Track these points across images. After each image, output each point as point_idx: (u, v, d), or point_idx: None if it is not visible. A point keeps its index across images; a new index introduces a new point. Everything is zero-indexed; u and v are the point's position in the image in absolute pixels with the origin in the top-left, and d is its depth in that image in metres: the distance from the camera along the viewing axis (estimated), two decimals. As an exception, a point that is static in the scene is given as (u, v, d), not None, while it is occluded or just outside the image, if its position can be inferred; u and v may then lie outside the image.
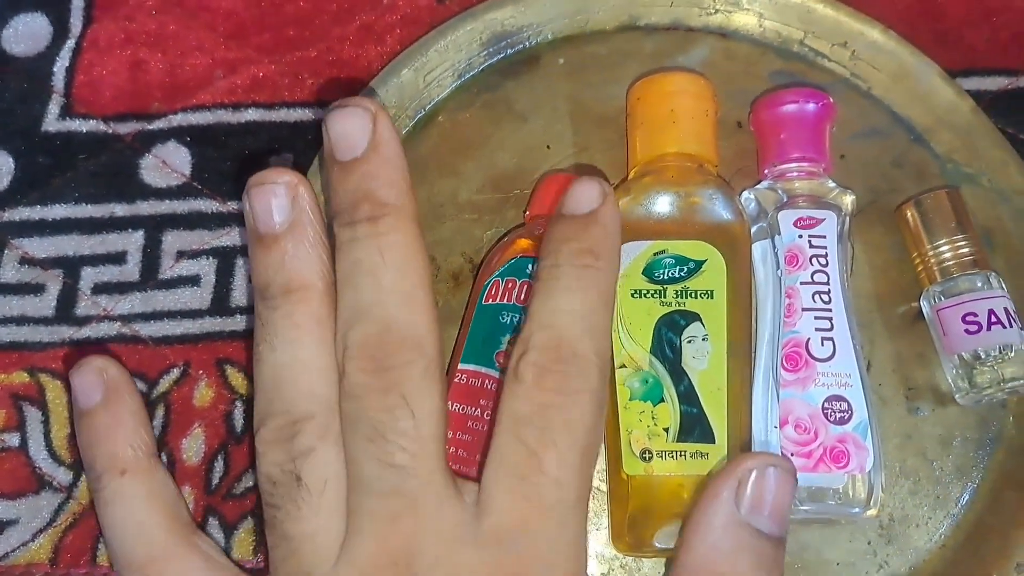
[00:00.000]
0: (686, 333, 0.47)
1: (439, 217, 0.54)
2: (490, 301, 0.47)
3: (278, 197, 0.39)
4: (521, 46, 0.58)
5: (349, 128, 0.39)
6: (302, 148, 0.56)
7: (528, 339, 0.38)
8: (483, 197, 0.54)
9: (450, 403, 0.46)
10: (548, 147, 0.55)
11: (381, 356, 0.37)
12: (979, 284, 0.48)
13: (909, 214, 0.51)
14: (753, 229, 0.51)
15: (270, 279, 0.39)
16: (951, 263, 0.49)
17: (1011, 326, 0.47)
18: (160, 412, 0.52)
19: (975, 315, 0.47)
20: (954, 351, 0.48)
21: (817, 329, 0.47)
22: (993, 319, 0.47)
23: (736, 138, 0.55)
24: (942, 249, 0.50)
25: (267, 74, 0.59)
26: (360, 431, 0.37)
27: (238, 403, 0.52)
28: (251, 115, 0.58)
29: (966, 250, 0.49)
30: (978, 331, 0.47)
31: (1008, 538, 0.48)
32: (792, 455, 0.46)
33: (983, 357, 0.47)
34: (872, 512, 0.46)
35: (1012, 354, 0.47)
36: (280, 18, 0.60)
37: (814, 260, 0.48)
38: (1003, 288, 0.48)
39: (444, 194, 0.55)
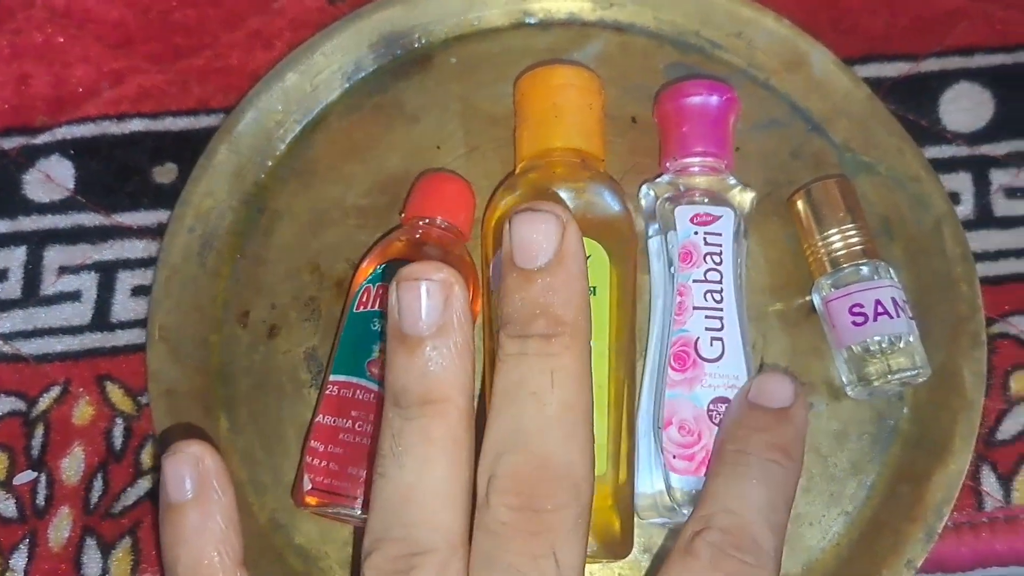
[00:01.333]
0: (567, 334, 0.45)
1: (324, 223, 0.53)
2: (361, 308, 0.46)
3: (431, 297, 0.34)
4: (412, 47, 0.57)
5: (536, 235, 0.34)
6: (187, 157, 0.55)
7: (709, 518, 0.37)
8: (370, 201, 0.53)
9: (321, 416, 0.45)
10: (438, 148, 0.54)
11: (533, 494, 0.33)
12: (867, 274, 0.47)
13: (799, 204, 0.50)
14: (649, 224, 0.49)
15: (408, 385, 0.34)
16: (840, 253, 0.48)
17: (899, 316, 0.46)
18: (40, 431, 0.51)
19: (861, 306, 0.46)
20: (843, 344, 0.46)
21: (707, 328, 0.46)
22: (880, 309, 0.46)
23: (631, 133, 0.54)
24: (832, 239, 0.48)
25: (154, 83, 0.57)
26: (494, 572, 0.33)
27: (118, 420, 0.51)
28: (136, 125, 0.57)
29: (855, 239, 0.48)
30: (864, 323, 0.46)
31: (900, 534, 0.47)
32: (674, 458, 0.44)
33: (872, 349, 0.46)
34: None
35: (901, 345, 0.46)
36: (168, 26, 0.59)
37: (708, 258, 0.47)
38: (892, 277, 0.47)
39: (330, 199, 0.53)
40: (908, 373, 0.46)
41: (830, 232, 0.48)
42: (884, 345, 0.46)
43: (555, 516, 0.33)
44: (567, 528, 0.33)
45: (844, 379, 0.48)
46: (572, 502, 0.33)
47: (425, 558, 0.33)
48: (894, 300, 0.46)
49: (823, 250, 0.48)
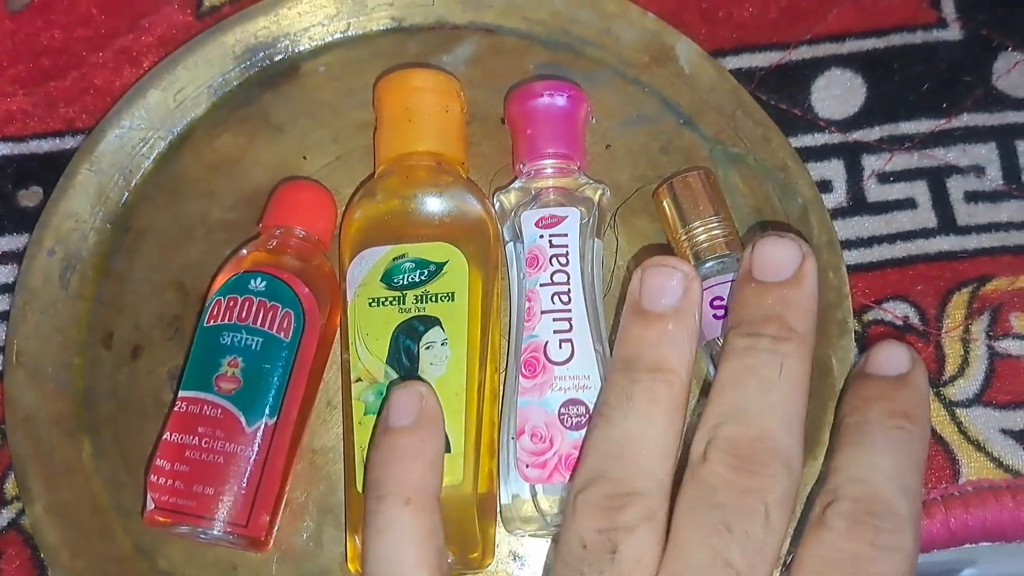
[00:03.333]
0: (425, 339, 0.45)
1: (188, 240, 0.52)
2: (212, 322, 0.45)
3: (673, 282, 0.40)
4: (279, 56, 0.56)
5: (780, 255, 0.40)
6: (52, 180, 0.54)
7: (837, 489, 0.38)
8: (235, 215, 0.52)
9: (168, 433, 0.44)
10: (304, 158, 0.54)
11: (750, 458, 0.37)
12: (730, 265, 0.46)
13: (663, 198, 0.49)
14: (503, 230, 0.48)
15: (640, 353, 0.39)
16: (703, 246, 0.47)
17: None
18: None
19: (721, 299, 0.45)
20: (705, 338, 0.45)
21: (555, 331, 0.45)
22: None
23: (500, 135, 0.53)
24: (695, 231, 0.48)
25: (20, 107, 0.57)
26: (704, 518, 0.36)
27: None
28: (0, 150, 0.55)
29: (718, 231, 0.47)
30: (725, 315, 0.45)
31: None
32: (527, 467, 0.43)
33: (715, 354, 0.45)
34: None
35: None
36: (34, 48, 0.58)
37: (554, 260, 0.46)
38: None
39: (194, 215, 0.53)
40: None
41: (693, 225, 0.48)
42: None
43: (769, 481, 0.36)
44: (778, 495, 0.36)
45: (711, 374, 0.47)
46: (784, 477, 0.37)
47: (637, 499, 0.37)
48: None
49: (687, 243, 0.47)
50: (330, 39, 0.57)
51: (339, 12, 0.56)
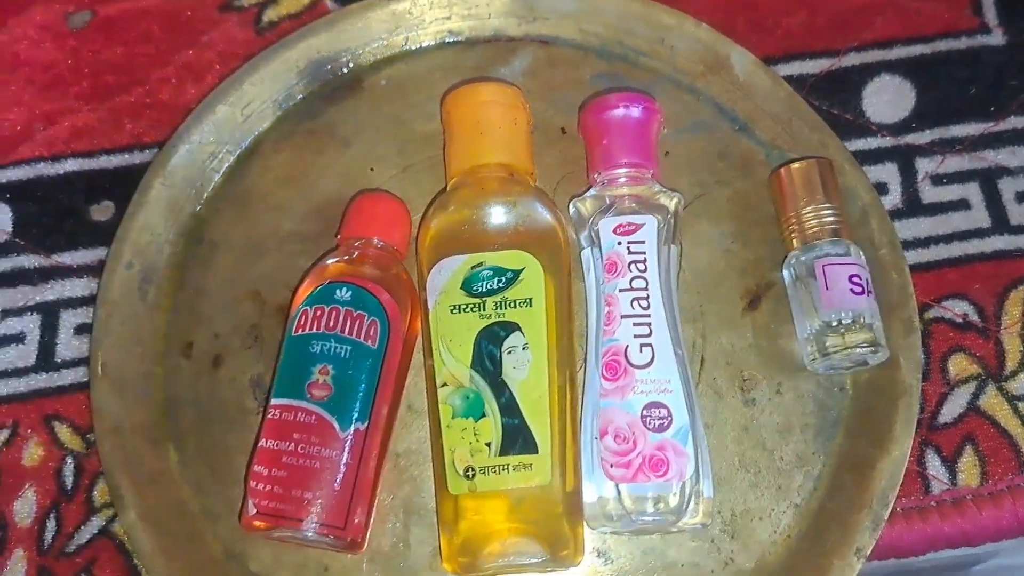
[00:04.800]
0: (506, 344, 0.46)
1: (262, 252, 0.53)
2: (300, 332, 0.46)
3: None
4: (341, 71, 0.57)
5: None
6: (124, 194, 0.55)
7: None
8: (307, 227, 0.53)
9: (264, 440, 0.45)
10: (372, 170, 0.55)
11: None
12: (847, 251, 0.48)
13: (782, 180, 0.52)
14: (580, 238, 0.50)
15: None
16: (820, 228, 0.50)
17: (869, 294, 0.48)
18: (-11, 476, 0.50)
19: (859, 276, 0.47)
20: (835, 307, 0.47)
21: (636, 336, 0.46)
22: (869, 288, 0.48)
23: (560, 144, 0.55)
24: (825, 210, 0.50)
25: (87, 122, 0.58)
26: None
27: (68, 459, 0.51)
28: (70, 165, 0.57)
29: (832, 218, 0.50)
30: (861, 293, 0.47)
31: (847, 524, 0.47)
32: (611, 466, 0.44)
33: (834, 324, 0.48)
34: (696, 520, 0.45)
35: (863, 321, 0.48)
36: (98, 66, 0.59)
37: (632, 266, 0.47)
38: (863, 258, 0.50)
39: (267, 227, 0.54)
40: (871, 350, 0.47)
41: (822, 205, 0.50)
42: (847, 322, 0.47)
43: None
44: None
45: (808, 351, 0.49)
46: None
47: None
48: (868, 279, 0.49)
49: (812, 220, 0.50)
50: (390, 53, 0.58)
51: (398, 27, 0.57)
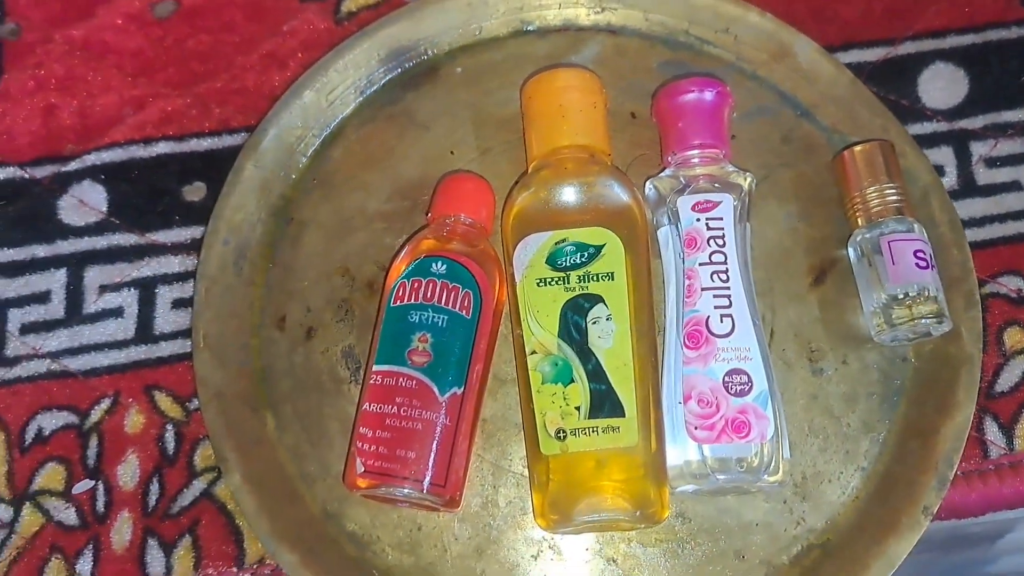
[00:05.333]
0: (591, 315, 0.49)
1: (349, 230, 0.56)
2: (398, 303, 0.49)
3: None
4: (419, 59, 0.60)
5: None
6: (214, 176, 0.58)
7: None
8: (391, 206, 0.56)
9: (367, 404, 0.48)
10: (452, 153, 0.57)
11: None
12: (911, 228, 0.52)
13: (847, 161, 0.55)
14: (657, 216, 0.53)
15: None
16: (884, 207, 0.53)
17: (933, 268, 0.51)
18: (94, 442, 0.54)
19: (923, 252, 0.50)
20: (899, 282, 0.50)
21: (716, 307, 0.49)
22: (932, 262, 0.51)
23: (631, 129, 0.57)
24: (888, 189, 0.53)
25: (175, 107, 0.61)
26: None
27: (168, 426, 0.53)
28: (162, 148, 0.60)
29: (895, 197, 0.53)
30: (926, 267, 0.51)
31: (914, 484, 0.50)
32: (696, 428, 0.47)
33: (902, 294, 0.51)
34: (776, 478, 0.48)
35: (928, 293, 0.51)
36: (184, 53, 0.62)
37: (712, 242, 0.50)
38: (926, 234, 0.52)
39: (353, 207, 0.56)
40: (936, 320, 0.50)
41: (886, 184, 0.53)
42: (913, 294, 0.51)
43: None
44: None
45: (874, 322, 0.53)
46: None
47: None
48: (931, 254, 0.52)
49: (876, 199, 0.54)
50: (464, 42, 0.61)
51: (472, 16, 0.60)
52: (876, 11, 0.61)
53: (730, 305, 0.48)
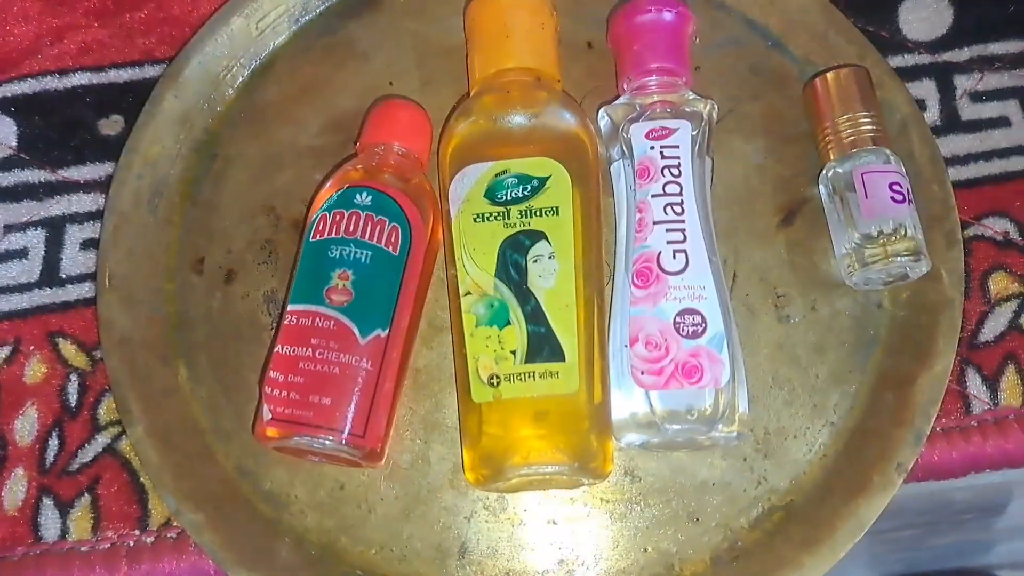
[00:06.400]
0: (532, 253, 0.44)
1: (277, 166, 0.52)
2: (317, 237, 0.45)
3: None
4: (359, -16, 0.55)
5: None
6: (131, 108, 0.53)
7: None
8: (323, 141, 0.52)
9: (280, 346, 0.43)
10: (391, 84, 0.54)
11: None
12: (885, 159, 0.46)
13: (818, 89, 0.51)
14: (610, 150, 0.48)
15: None
16: (858, 137, 0.49)
17: (910, 203, 0.47)
18: (-10, 393, 0.48)
19: (899, 184, 0.45)
20: (873, 217, 0.45)
21: (669, 242, 0.45)
22: (910, 197, 0.47)
23: (587, 59, 0.53)
24: (863, 118, 0.49)
25: (96, 38, 0.57)
26: None
27: (72, 376, 0.49)
28: (78, 79, 0.56)
29: (870, 126, 0.49)
30: (902, 202, 0.46)
31: (890, 439, 0.46)
32: (643, 374, 0.43)
33: (875, 231, 0.47)
34: (732, 429, 0.43)
35: (904, 230, 0.46)
36: (109, -20, 0.57)
37: (666, 171, 0.46)
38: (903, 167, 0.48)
39: (282, 142, 0.53)
40: (912, 259, 0.45)
41: (860, 113, 0.49)
42: (888, 231, 0.46)
43: None
44: None
45: (845, 264, 0.49)
46: None
47: None
48: (908, 188, 0.47)
49: (849, 129, 0.49)
50: (408, -35, 0.55)
51: (417, -61, 0.55)
52: None
53: (684, 240, 0.44)
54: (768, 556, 0.45)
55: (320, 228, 0.45)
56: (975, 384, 0.48)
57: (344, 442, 0.42)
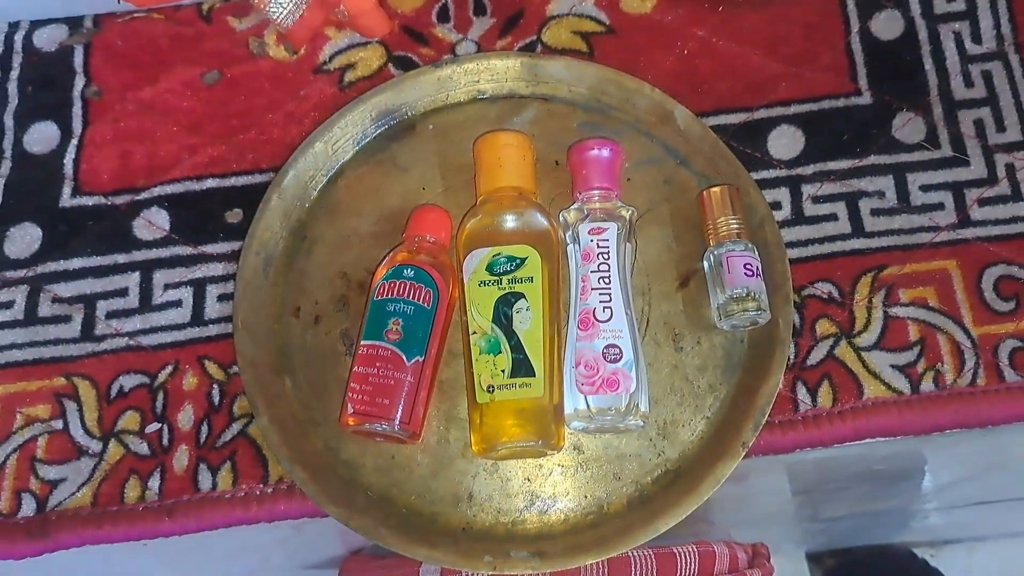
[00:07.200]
0: (515, 307, 0.71)
1: (348, 245, 0.78)
2: (379, 297, 0.72)
3: None
4: (401, 118, 0.82)
5: None
6: (248, 204, 0.79)
7: None
8: (378, 228, 0.78)
9: (357, 367, 0.70)
10: (423, 188, 0.79)
11: None
12: (747, 248, 0.72)
13: (705, 199, 0.75)
14: (567, 236, 0.75)
15: None
16: (727, 232, 0.73)
17: (758, 276, 0.71)
18: (160, 396, 0.75)
19: (751, 264, 0.71)
20: (732, 286, 0.70)
21: (600, 301, 0.71)
22: (759, 272, 0.71)
23: (555, 173, 0.78)
24: (720, 223, 0.73)
25: (219, 153, 0.82)
26: None
27: (215, 385, 0.75)
28: (210, 183, 0.81)
29: (736, 225, 0.73)
30: (752, 276, 0.70)
31: (739, 428, 0.70)
32: (583, 385, 0.70)
33: (734, 295, 0.71)
34: (637, 420, 0.69)
35: (752, 295, 0.71)
36: (226, 112, 0.84)
37: (599, 256, 0.72)
38: (755, 252, 0.72)
39: (350, 228, 0.78)
40: (759, 312, 0.71)
41: (720, 219, 0.73)
42: (742, 295, 0.71)
43: None
44: None
45: (716, 315, 0.72)
46: None
47: None
48: (758, 267, 0.72)
49: (714, 230, 0.73)
50: (435, 106, 0.83)
51: (441, 87, 0.82)
52: (739, 86, 0.82)
53: (610, 300, 0.71)
54: (662, 500, 0.70)
55: (381, 291, 0.72)
56: (802, 392, 0.74)
57: (396, 427, 0.69)
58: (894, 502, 1.08)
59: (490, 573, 0.66)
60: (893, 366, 0.73)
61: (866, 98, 0.81)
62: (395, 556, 0.69)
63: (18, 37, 0.85)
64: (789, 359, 0.72)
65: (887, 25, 0.83)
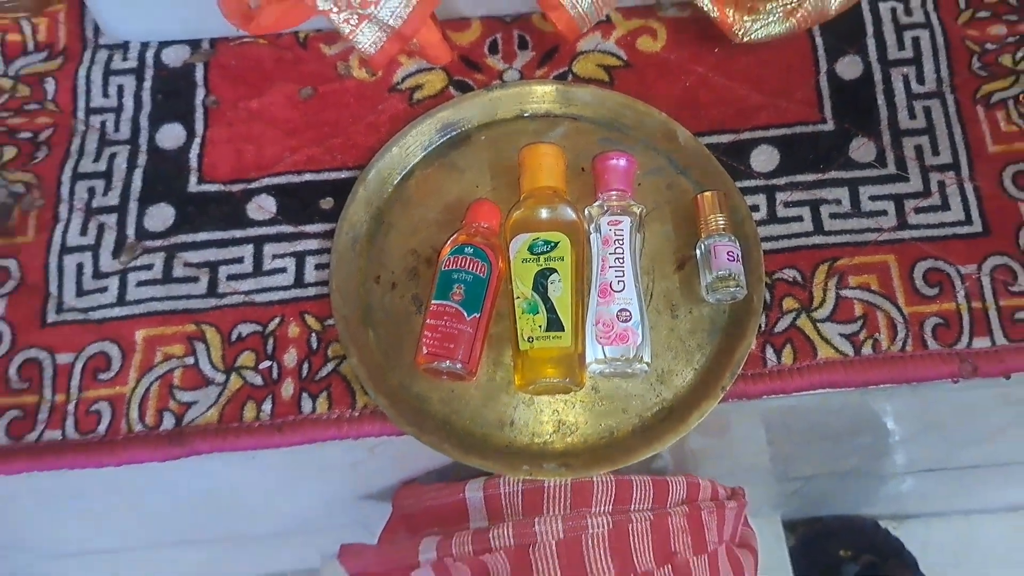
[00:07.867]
0: (550, 279, 0.91)
1: (417, 229, 0.97)
2: (447, 268, 0.92)
3: None
4: (459, 130, 1.03)
5: None
6: (337, 194, 0.99)
7: None
8: (441, 216, 0.97)
9: (429, 319, 0.91)
10: (477, 187, 1.00)
11: None
12: (730, 239, 0.94)
13: (700, 200, 0.94)
14: (590, 226, 0.98)
15: None
16: (716, 227, 0.94)
17: (739, 262, 0.91)
18: (271, 341, 0.96)
19: (733, 252, 0.92)
20: (718, 269, 0.90)
21: (616, 276, 0.92)
22: (738, 258, 0.91)
23: (581, 178, 0.98)
24: (710, 220, 0.93)
25: (314, 154, 1.02)
26: None
27: (313, 334, 0.96)
28: (307, 177, 1.00)
29: (723, 222, 0.93)
30: (733, 261, 0.90)
31: (719, 376, 0.90)
32: (600, 338, 0.91)
33: (719, 275, 0.91)
34: (643, 367, 0.88)
35: (733, 276, 0.90)
36: (320, 120, 1.04)
37: (616, 242, 0.93)
38: (737, 243, 0.92)
39: (419, 216, 0.98)
40: (737, 289, 0.91)
41: (710, 217, 0.94)
42: (724, 274, 0.91)
43: None
44: None
45: (705, 291, 0.91)
46: None
47: None
48: (738, 254, 0.92)
49: (705, 225, 0.93)
50: (487, 121, 1.03)
51: (492, 107, 1.02)
52: (729, 113, 1.00)
53: (623, 275, 0.91)
54: (658, 429, 0.89)
55: (448, 264, 0.92)
56: (770, 352, 0.92)
57: (459, 366, 0.90)
58: (853, 460, 1.23)
59: (527, 477, 0.88)
60: (841, 335, 0.89)
61: (830, 125, 0.96)
62: (441, 483, 0.90)
63: (149, 55, 1.00)
64: (760, 327, 0.88)
65: (849, 67, 0.98)
